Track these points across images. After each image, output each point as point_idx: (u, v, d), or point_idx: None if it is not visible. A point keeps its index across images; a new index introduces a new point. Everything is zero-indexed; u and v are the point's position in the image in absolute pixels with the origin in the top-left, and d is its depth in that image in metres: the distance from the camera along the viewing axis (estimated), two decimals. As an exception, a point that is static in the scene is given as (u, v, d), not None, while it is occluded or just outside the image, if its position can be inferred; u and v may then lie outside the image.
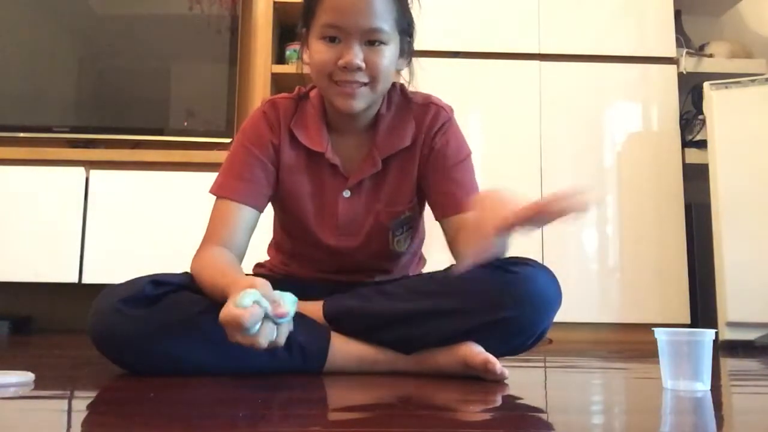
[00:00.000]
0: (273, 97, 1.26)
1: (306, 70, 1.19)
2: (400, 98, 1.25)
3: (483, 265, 1.11)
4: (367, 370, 1.13)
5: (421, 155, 1.22)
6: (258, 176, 1.20)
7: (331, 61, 1.11)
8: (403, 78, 1.28)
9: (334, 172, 1.22)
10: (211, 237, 1.17)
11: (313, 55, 1.14)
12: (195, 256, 1.16)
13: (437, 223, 1.24)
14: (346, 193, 1.22)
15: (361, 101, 1.14)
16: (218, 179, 1.21)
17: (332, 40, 1.11)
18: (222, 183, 1.20)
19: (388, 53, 1.13)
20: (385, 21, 1.11)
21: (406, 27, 1.17)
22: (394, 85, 1.25)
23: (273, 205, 1.28)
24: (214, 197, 1.20)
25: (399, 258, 1.29)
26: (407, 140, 1.21)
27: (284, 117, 1.22)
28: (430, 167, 1.22)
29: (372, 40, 1.11)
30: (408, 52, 1.21)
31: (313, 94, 1.24)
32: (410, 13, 1.19)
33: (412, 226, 1.27)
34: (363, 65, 1.10)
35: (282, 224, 1.31)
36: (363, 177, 1.21)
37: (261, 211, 1.21)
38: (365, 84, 1.12)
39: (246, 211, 1.18)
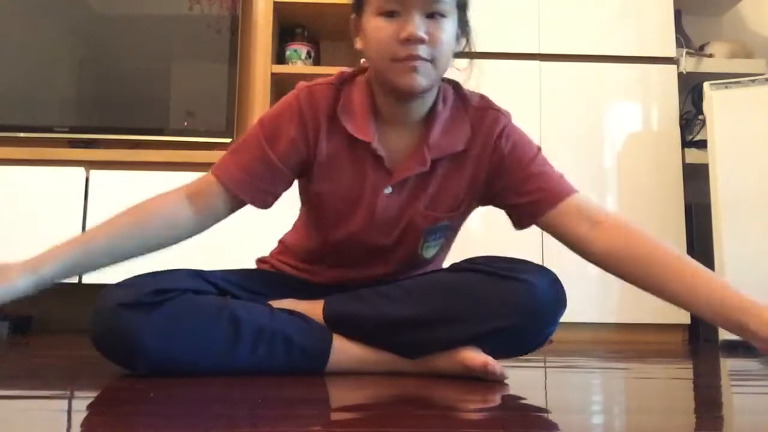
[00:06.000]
0: (310, 84, 1.15)
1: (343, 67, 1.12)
2: (455, 96, 1.18)
3: (488, 272, 1.11)
4: (367, 371, 1.13)
5: (480, 167, 1.15)
6: (260, 172, 1.12)
7: (392, 36, 1.03)
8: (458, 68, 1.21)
9: (378, 165, 1.13)
10: (187, 187, 1.14)
11: (371, 33, 1.06)
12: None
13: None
14: (388, 190, 1.13)
15: (425, 78, 1.06)
16: (222, 158, 1.15)
17: (390, 14, 1.04)
18: (221, 162, 1.14)
19: (449, 27, 1.07)
20: None
21: (463, 2, 1.12)
22: (448, 80, 1.20)
23: (302, 197, 1.23)
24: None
25: (421, 265, 1.23)
26: (461, 144, 1.14)
27: (324, 105, 1.13)
28: (506, 174, 1.14)
29: (432, 12, 1.04)
30: (465, 31, 1.15)
31: (359, 79, 1.16)
32: None
33: (446, 236, 1.21)
34: (426, 38, 1.03)
35: (312, 217, 1.24)
36: (409, 175, 1.13)
37: (240, 202, 1.13)
38: (427, 60, 1.05)
39: (230, 202, 1.13)
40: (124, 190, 2.25)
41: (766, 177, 2.07)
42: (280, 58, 2.52)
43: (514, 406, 0.92)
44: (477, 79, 2.55)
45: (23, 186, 2.24)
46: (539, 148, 1.18)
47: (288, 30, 2.55)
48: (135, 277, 1.10)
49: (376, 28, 1.05)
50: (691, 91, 2.43)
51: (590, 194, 2.31)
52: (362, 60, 1.18)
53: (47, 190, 2.23)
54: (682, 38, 2.46)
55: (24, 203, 2.22)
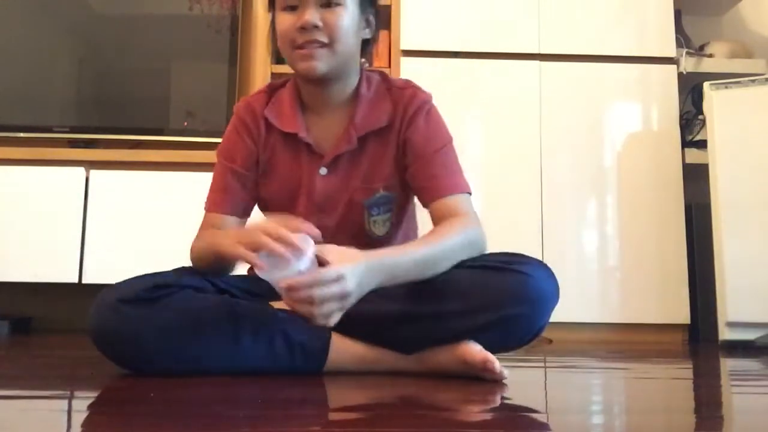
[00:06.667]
0: (246, 97, 1.31)
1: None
2: (380, 82, 1.28)
3: (485, 267, 1.12)
4: (367, 370, 1.13)
5: (398, 140, 1.24)
6: (232, 185, 1.25)
7: (291, 27, 1.16)
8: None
9: (310, 152, 1.24)
10: (203, 228, 1.24)
11: (277, 27, 1.20)
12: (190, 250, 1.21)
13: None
14: (323, 171, 1.23)
15: (323, 63, 1.17)
16: (206, 197, 1.27)
17: (292, 9, 1.17)
18: (207, 198, 1.27)
19: (345, 14, 1.17)
20: None
21: None
22: (375, 70, 1.30)
23: (259, 202, 1.30)
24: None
25: (380, 244, 1.24)
26: (383, 120, 1.23)
27: (260, 111, 1.26)
28: (409, 157, 1.23)
29: (327, 1, 1.16)
30: (374, 23, 1.25)
31: (289, 82, 1.29)
32: None
33: (391, 209, 1.27)
34: (320, 24, 1.15)
35: (265, 213, 1.32)
36: (338, 153, 1.23)
37: (241, 217, 1.26)
38: (325, 45, 1.16)
39: (226, 219, 1.24)
40: (124, 190, 2.25)
41: (766, 177, 2.07)
42: (280, 58, 2.52)
43: (514, 406, 0.93)
44: (480, 79, 2.56)
45: (23, 186, 2.23)
46: (448, 141, 1.25)
47: (288, 30, 2.55)
48: (135, 276, 1.10)
49: (280, 21, 1.19)
50: (691, 91, 2.43)
51: (590, 194, 2.34)
52: None
53: (47, 190, 2.23)
54: (682, 38, 2.46)
55: (24, 203, 2.22)
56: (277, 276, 0.96)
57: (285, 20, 1.17)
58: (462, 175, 1.23)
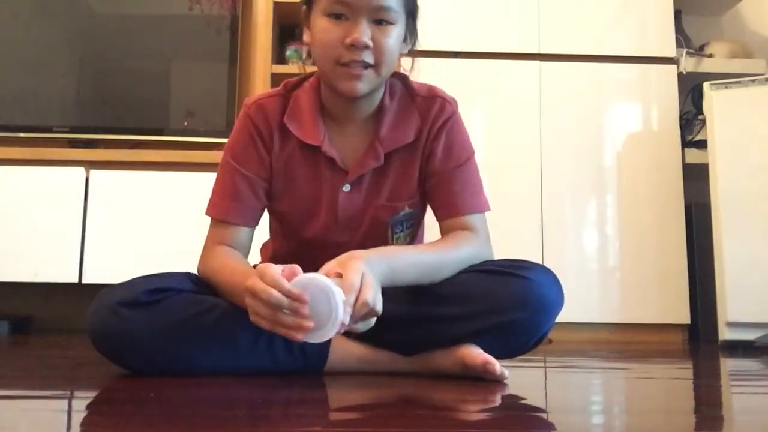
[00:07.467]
0: (258, 97, 1.20)
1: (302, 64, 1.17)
2: (403, 89, 1.22)
3: (486, 270, 1.12)
4: (367, 370, 1.13)
5: (423, 153, 1.20)
6: (245, 193, 1.17)
7: (337, 40, 1.06)
8: (404, 68, 1.25)
9: (333, 166, 1.17)
10: (211, 241, 1.18)
11: (317, 34, 1.09)
12: (200, 263, 1.17)
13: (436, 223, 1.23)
14: (346, 188, 1.18)
15: (366, 84, 1.10)
16: (210, 199, 1.20)
17: (338, 17, 1.07)
18: (213, 203, 1.19)
19: (395, 34, 1.09)
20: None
21: (412, 8, 1.14)
22: (396, 74, 1.23)
23: (268, 208, 1.25)
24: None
25: None
26: (411, 135, 1.18)
27: (273, 116, 1.18)
28: (431, 169, 1.19)
29: (380, 19, 1.07)
30: (412, 35, 1.17)
31: (307, 84, 1.21)
32: None
33: (413, 224, 1.25)
34: (371, 44, 1.06)
35: (279, 225, 1.29)
36: (364, 171, 1.18)
37: (253, 226, 1.20)
38: (371, 66, 1.08)
39: (238, 231, 1.18)
40: (124, 190, 2.25)
41: (766, 177, 2.07)
42: (280, 58, 2.52)
43: (514, 406, 0.92)
44: (480, 79, 2.55)
45: (23, 186, 2.24)
46: (471, 155, 1.22)
47: (288, 30, 2.55)
48: (134, 278, 1.10)
49: (322, 29, 1.08)
50: (691, 91, 2.43)
51: (590, 194, 2.34)
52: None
53: (47, 190, 2.23)
54: (682, 38, 2.46)
55: (24, 203, 2.22)
56: (321, 338, 0.93)
57: (330, 30, 1.07)
58: (480, 192, 1.20)
